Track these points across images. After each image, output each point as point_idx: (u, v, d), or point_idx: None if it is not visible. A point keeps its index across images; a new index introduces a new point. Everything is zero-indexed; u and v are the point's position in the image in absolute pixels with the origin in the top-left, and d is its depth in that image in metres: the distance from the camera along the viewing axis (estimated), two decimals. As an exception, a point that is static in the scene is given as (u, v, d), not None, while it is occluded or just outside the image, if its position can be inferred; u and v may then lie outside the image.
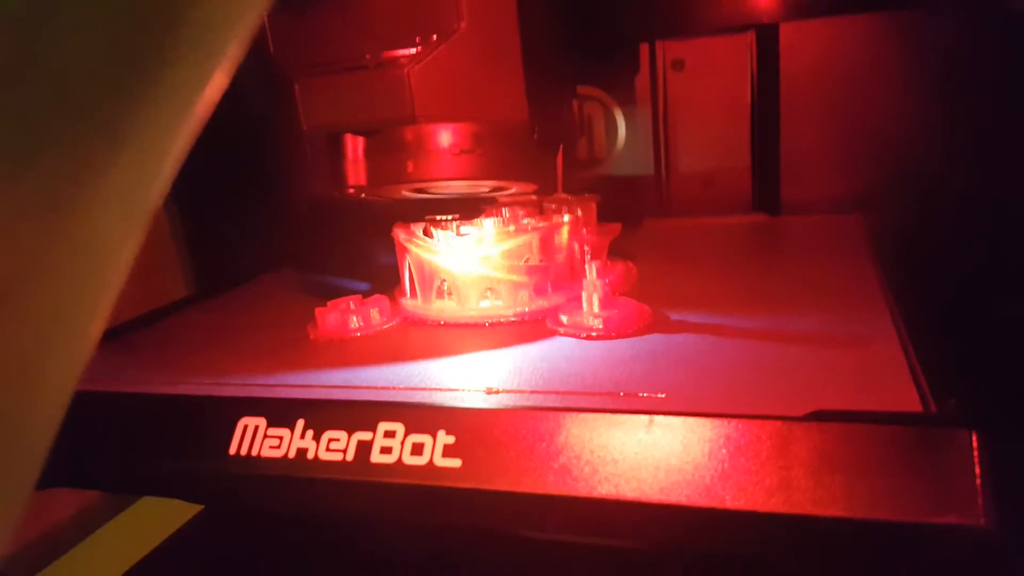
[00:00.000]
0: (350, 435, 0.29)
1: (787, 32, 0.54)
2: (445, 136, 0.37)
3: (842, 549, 0.23)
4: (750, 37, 0.55)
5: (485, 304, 0.39)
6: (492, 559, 0.43)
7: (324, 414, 0.30)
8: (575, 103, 0.60)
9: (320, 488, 0.29)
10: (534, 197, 0.44)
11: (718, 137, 0.58)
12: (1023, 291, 0.44)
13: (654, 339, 0.34)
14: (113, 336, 0.44)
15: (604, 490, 0.25)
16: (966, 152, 0.50)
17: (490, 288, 0.39)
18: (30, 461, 0.14)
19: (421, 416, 0.29)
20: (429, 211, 0.41)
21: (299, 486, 0.29)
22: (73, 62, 0.12)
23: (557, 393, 0.29)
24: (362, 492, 0.28)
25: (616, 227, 0.45)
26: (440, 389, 0.31)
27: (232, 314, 0.49)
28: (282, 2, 0.35)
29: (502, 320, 0.39)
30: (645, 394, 0.28)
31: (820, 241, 0.50)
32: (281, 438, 0.30)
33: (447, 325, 0.40)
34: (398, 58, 0.35)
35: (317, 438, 0.29)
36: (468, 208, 0.41)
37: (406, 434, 0.28)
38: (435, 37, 0.35)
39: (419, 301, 0.41)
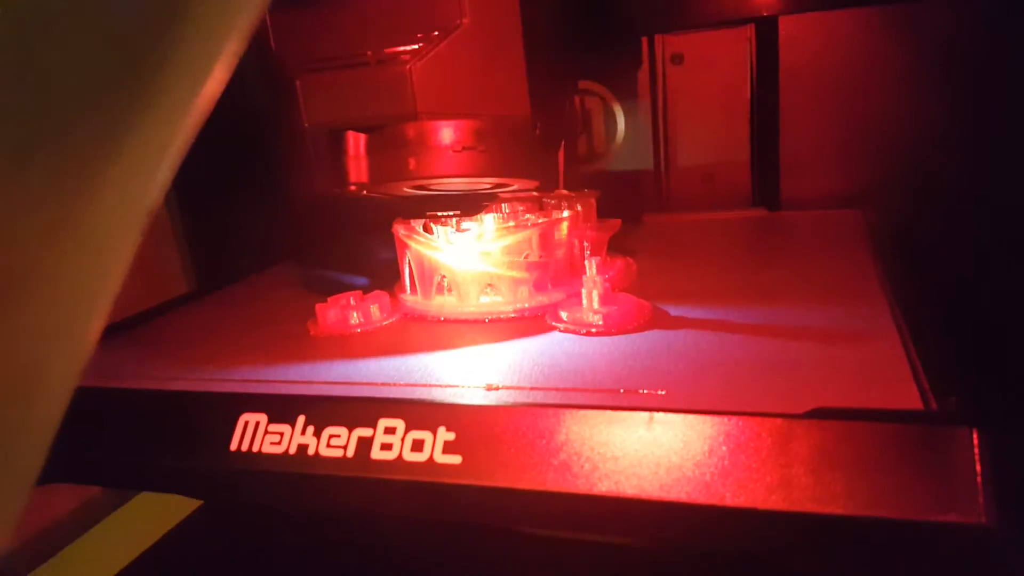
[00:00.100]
0: (350, 431, 0.29)
1: (786, 25, 0.54)
2: (447, 133, 0.37)
3: (842, 547, 0.23)
4: (749, 31, 0.55)
5: (485, 300, 0.39)
6: (492, 556, 0.43)
7: (325, 410, 0.30)
8: (576, 99, 0.60)
9: (320, 484, 0.29)
10: (535, 193, 0.44)
11: (717, 132, 0.58)
12: (1023, 287, 0.44)
13: (654, 335, 0.34)
14: (113, 332, 0.44)
15: (604, 487, 0.25)
16: (966, 146, 0.50)
17: (490, 284, 0.39)
18: (31, 457, 0.14)
19: (421, 412, 0.29)
20: (430, 208, 0.41)
21: (299, 482, 0.29)
22: (73, 58, 0.12)
23: (557, 390, 0.29)
24: (362, 488, 0.28)
25: (616, 223, 0.45)
26: (440, 385, 0.31)
27: (232, 310, 0.49)
28: (283, -1, 0.35)
29: (502, 316, 0.39)
30: (645, 391, 0.28)
31: (820, 236, 0.50)
32: (282, 434, 0.30)
33: (447, 321, 0.40)
34: (400, 54, 0.35)
35: (318, 434, 0.29)
36: (469, 205, 0.41)
37: (406, 430, 0.28)
38: (437, 33, 0.35)
39: (419, 297, 0.41)
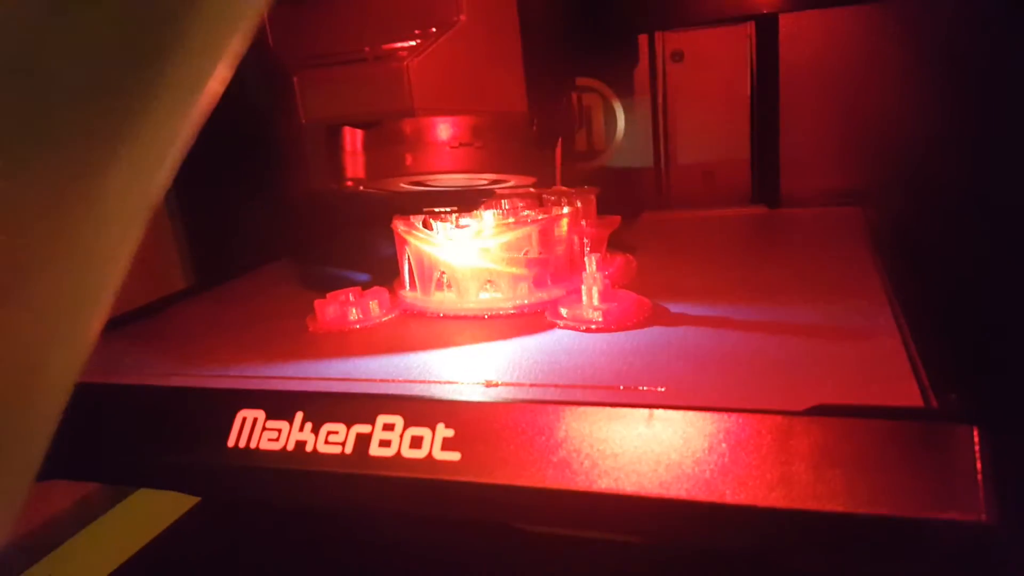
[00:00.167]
0: (349, 428, 0.29)
1: (786, 23, 0.54)
2: (444, 129, 0.37)
3: (843, 544, 0.23)
4: (749, 28, 0.55)
5: (484, 296, 0.39)
6: (491, 553, 0.43)
7: (323, 407, 0.30)
8: (574, 95, 0.60)
9: (318, 481, 0.29)
10: (532, 190, 0.44)
11: (717, 129, 0.58)
12: (1023, 284, 0.44)
13: (654, 332, 0.34)
14: (111, 327, 0.44)
15: (604, 484, 0.25)
16: (967, 143, 0.50)
17: (489, 280, 0.39)
18: (32, 452, 0.14)
19: (420, 409, 0.29)
20: (428, 203, 0.41)
21: (297, 479, 0.29)
22: (76, 57, 0.12)
23: (556, 386, 0.29)
24: (361, 485, 0.28)
25: (615, 219, 0.45)
26: (439, 382, 0.31)
27: (231, 306, 0.49)
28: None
29: (501, 313, 0.39)
30: (645, 388, 0.28)
31: (820, 233, 0.50)
32: (280, 431, 0.30)
33: (446, 317, 0.39)
34: (397, 51, 0.35)
35: (316, 431, 0.29)
36: (467, 201, 0.41)
37: (405, 427, 0.28)
38: (434, 29, 0.35)
39: (418, 293, 0.41)
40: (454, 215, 0.39)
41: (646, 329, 0.34)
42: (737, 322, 0.34)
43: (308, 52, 0.37)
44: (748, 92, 0.56)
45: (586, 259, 0.36)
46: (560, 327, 0.36)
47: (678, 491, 0.24)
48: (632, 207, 0.58)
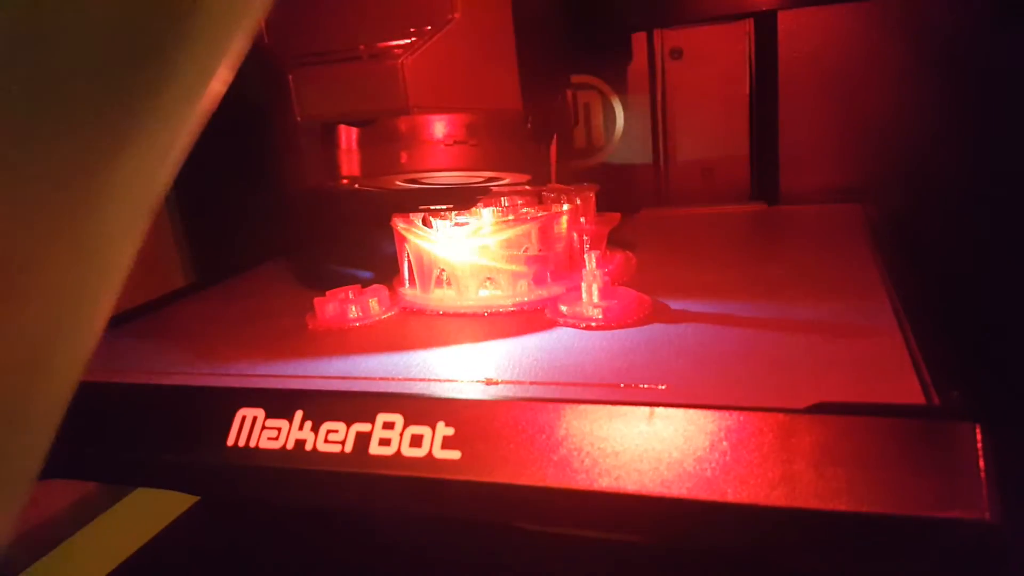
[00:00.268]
0: (348, 426, 0.29)
1: (785, 20, 0.54)
2: (439, 127, 0.37)
3: (845, 543, 0.23)
4: (748, 25, 0.55)
5: (484, 294, 0.39)
6: (491, 552, 0.43)
7: (322, 405, 0.30)
8: (569, 92, 0.60)
9: (318, 480, 0.29)
10: (528, 187, 0.44)
11: (717, 126, 0.58)
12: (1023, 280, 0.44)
13: (654, 329, 0.34)
14: (110, 325, 0.43)
15: (604, 483, 0.25)
16: (966, 140, 0.50)
17: (489, 278, 0.39)
18: (34, 450, 0.14)
19: (420, 407, 0.29)
20: (426, 201, 0.41)
21: (297, 478, 0.29)
22: (81, 56, 0.12)
23: (557, 384, 0.29)
24: (360, 484, 0.28)
25: (615, 216, 0.44)
26: (439, 380, 0.31)
27: (230, 304, 0.49)
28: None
29: (501, 310, 0.39)
30: (646, 385, 0.28)
31: (819, 230, 0.49)
32: (279, 429, 0.30)
33: (446, 315, 0.39)
34: (392, 49, 0.35)
35: (315, 429, 0.29)
36: (461, 198, 0.41)
37: (405, 425, 0.28)
38: (429, 27, 0.35)
39: (418, 291, 0.41)
40: (451, 212, 0.39)
41: (646, 326, 0.34)
42: (737, 319, 0.34)
43: (303, 50, 0.37)
44: (747, 89, 0.56)
45: (586, 256, 0.36)
46: (560, 324, 0.36)
47: (679, 490, 0.24)
48: (631, 204, 0.58)
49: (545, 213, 0.40)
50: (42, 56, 0.12)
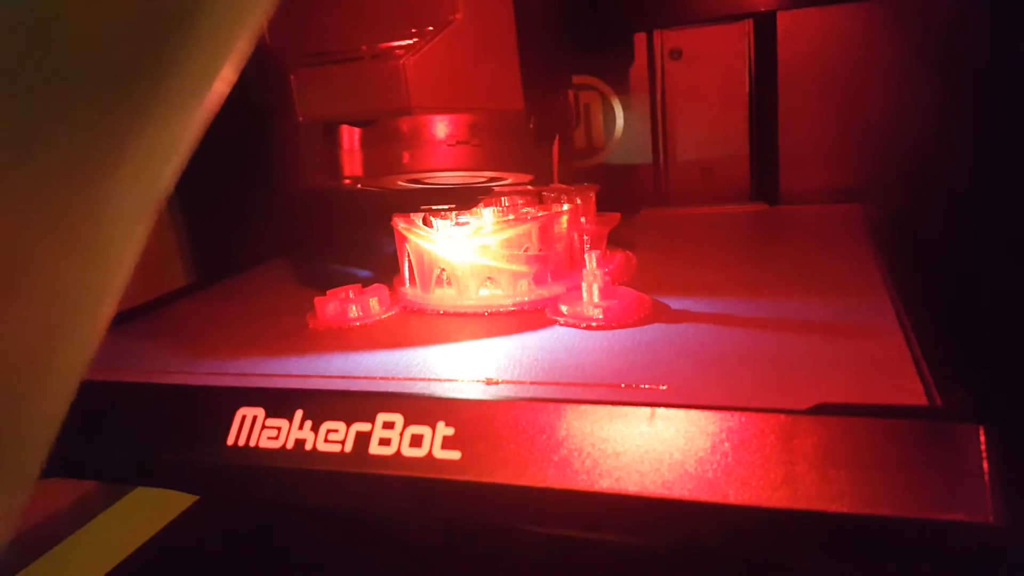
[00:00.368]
0: (348, 426, 0.29)
1: (785, 20, 0.54)
2: (441, 127, 0.37)
3: (847, 545, 0.23)
4: (748, 25, 0.55)
5: (484, 293, 0.39)
6: (491, 553, 0.43)
7: (323, 405, 0.30)
8: (571, 93, 0.60)
9: (318, 480, 0.29)
10: (530, 188, 0.44)
11: (716, 126, 0.58)
12: (1024, 281, 0.44)
13: (655, 329, 0.34)
14: (110, 324, 0.43)
15: (605, 484, 0.25)
16: (967, 139, 0.50)
17: (489, 277, 0.39)
18: (35, 450, 0.14)
19: (420, 407, 0.28)
20: (428, 201, 0.41)
21: (297, 477, 0.29)
22: (84, 56, 0.12)
23: (557, 384, 0.29)
24: (360, 484, 0.28)
25: (615, 216, 0.44)
26: (439, 380, 0.31)
27: (230, 303, 0.49)
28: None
29: (501, 310, 0.39)
30: (647, 386, 0.28)
31: (820, 230, 0.49)
32: (279, 429, 0.30)
33: (446, 315, 0.39)
34: (394, 49, 0.35)
35: (315, 429, 0.29)
36: (463, 198, 0.41)
37: (405, 425, 0.28)
38: (431, 28, 0.35)
39: (418, 290, 0.41)
40: (453, 212, 0.39)
41: (647, 326, 0.34)
42: (738, 319, 0.34)
43: (305, 50, 0.37)
44: (747, 89, 0.56)
45: (586, 256, 0.36)
46: (561, 324, 0.36)
47: (680, 491, 0.24)
48: (631, 204, 0.58)
49: (545, 213, 0.40)
50: (44, 56, 0.12)
